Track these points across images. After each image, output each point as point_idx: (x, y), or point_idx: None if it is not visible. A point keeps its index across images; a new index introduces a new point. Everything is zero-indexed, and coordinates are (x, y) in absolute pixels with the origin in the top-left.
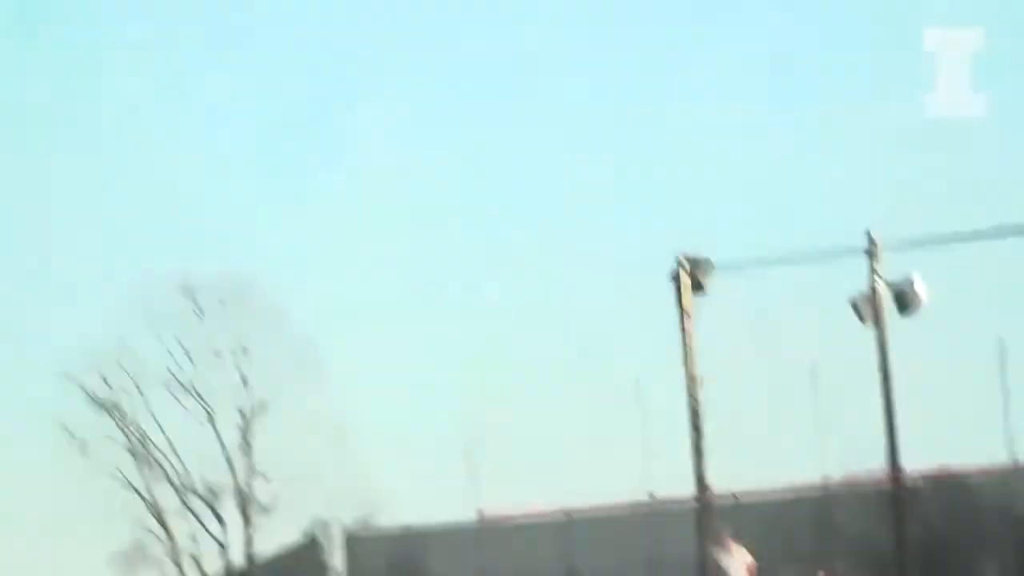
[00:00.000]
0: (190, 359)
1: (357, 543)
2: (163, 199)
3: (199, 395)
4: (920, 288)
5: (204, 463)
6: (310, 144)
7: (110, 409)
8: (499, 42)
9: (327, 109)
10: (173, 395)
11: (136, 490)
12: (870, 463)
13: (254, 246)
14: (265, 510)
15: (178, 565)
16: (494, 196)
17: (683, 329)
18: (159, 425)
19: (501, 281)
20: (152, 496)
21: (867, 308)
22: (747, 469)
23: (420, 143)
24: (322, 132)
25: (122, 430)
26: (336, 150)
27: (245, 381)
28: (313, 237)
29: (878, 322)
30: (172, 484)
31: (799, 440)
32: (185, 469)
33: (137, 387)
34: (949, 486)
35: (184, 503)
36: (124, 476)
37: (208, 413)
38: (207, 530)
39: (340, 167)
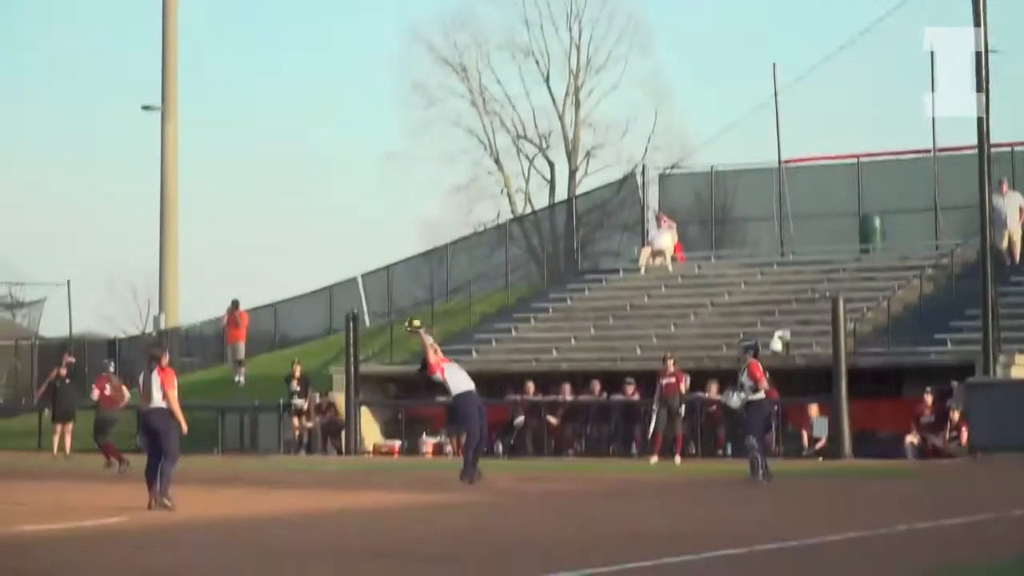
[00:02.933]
0: (527, 25)
1: (670, 181)
2: None
3: (535, 55)
4: None
5: (537, 114)
6: None
7: (455, 66)
8: None
9: None
10: (511, 55)
11: (475, 135)
12: None
13: None
14: (589, 154)
15: (510, 199)
16: None
17: None
18: (498, 81)
19: None
20: (489, 140)
21: None
22: None
23: None
24: None
25: (465, 84)
26: None
27: (577, 45)
28: None
29: None
30: (508, 131)
31: None
32: (520, 119)
33: (479, 47)
34: None
35: (517, 147)
36: (465, 124)
37: (542, 72)
38: (536, 170)
39: None
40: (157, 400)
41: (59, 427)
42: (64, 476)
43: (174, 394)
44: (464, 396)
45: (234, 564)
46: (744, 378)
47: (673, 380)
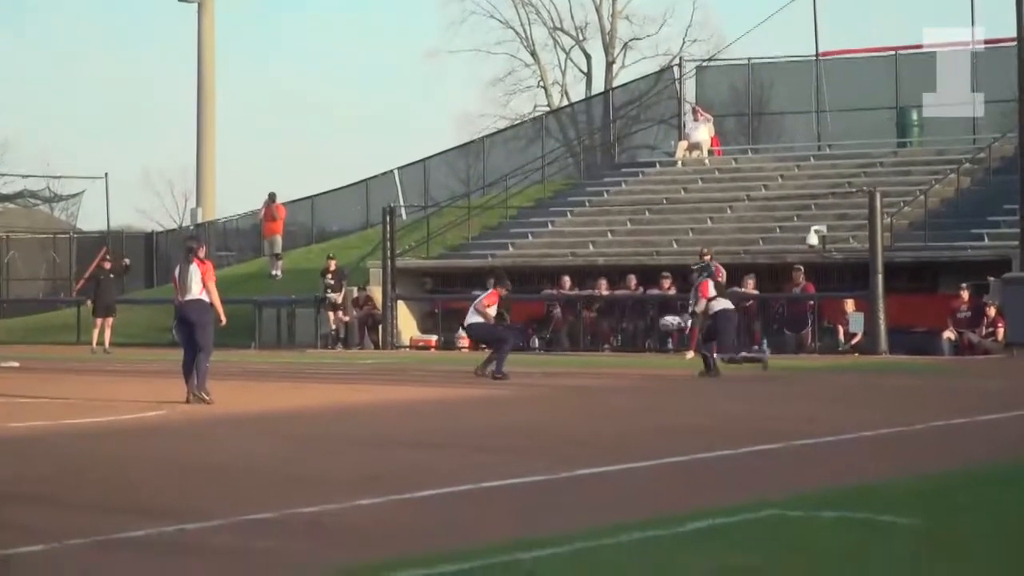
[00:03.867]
0: None
1: (707, 74)
2: None
3: None
4: None
5: (573, 5)
6: None
7: None
8: None
9: None
10: None
11: (511, 27)
12: None
13: None
14: (626, 46)
15: (546, 92)
16: None
17: None
18: None
19: None
20: (526, 32)
21: None
22: None
23: None
24: None
25: None
26: None
27: None
28: None
29: None
30: (544, 23)
31: None
32: (556, 10)
33: None
34: None
35: (554, 39)
36: (501, 15)
37: None
38: (573, 62)
39: None
40: (194, 292)
41: (99, 321)
42: (102, 370)
43: (213, 286)
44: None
45: (273, 453)
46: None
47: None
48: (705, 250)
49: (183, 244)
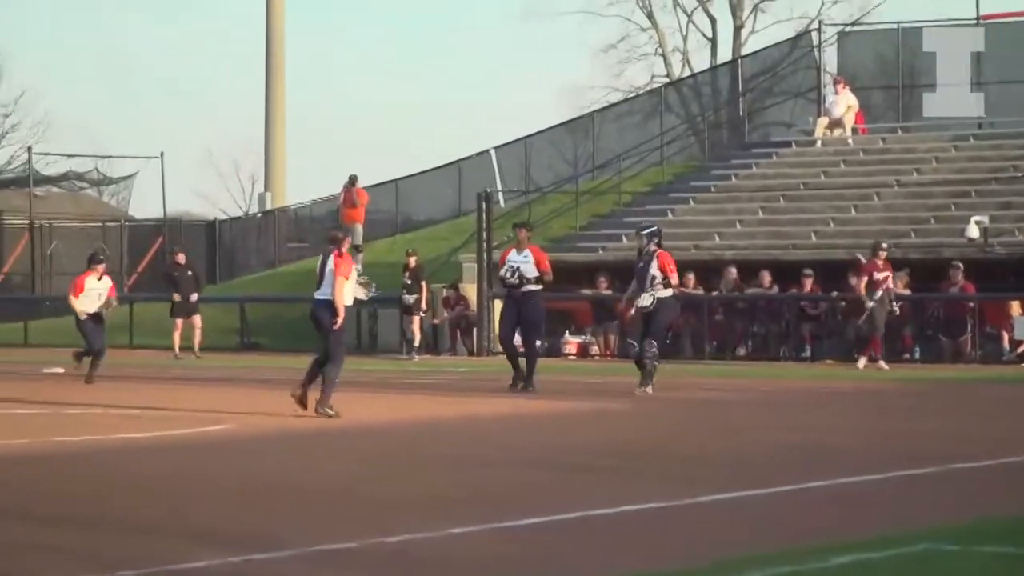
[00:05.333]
0: None
1: (850, 40)
2: None
3: None
4: None
5: None
6: None
7: None
8: None
9: None
10: None
11: None
12: None
13: None
14: (756, 8)
15: (666, 60)
16: None
17: None
18: None
19: None
20: None
21: None
22: None
23: None
24: None
25: None
26: None
27: None
28: None
29: None
30: None
31: None
32: None
33: None
34: None
35: (674, 1)
36: None
37: None
38: (696, 27)
39: None
40: (326, 292)
41: (180, 323)
42: (159, 378)
43: (342, 283)
44: None
45: (352, 473)
46: (654, 271)
47: (888, 274)
48: (884, 243)
49: (327, 234)
